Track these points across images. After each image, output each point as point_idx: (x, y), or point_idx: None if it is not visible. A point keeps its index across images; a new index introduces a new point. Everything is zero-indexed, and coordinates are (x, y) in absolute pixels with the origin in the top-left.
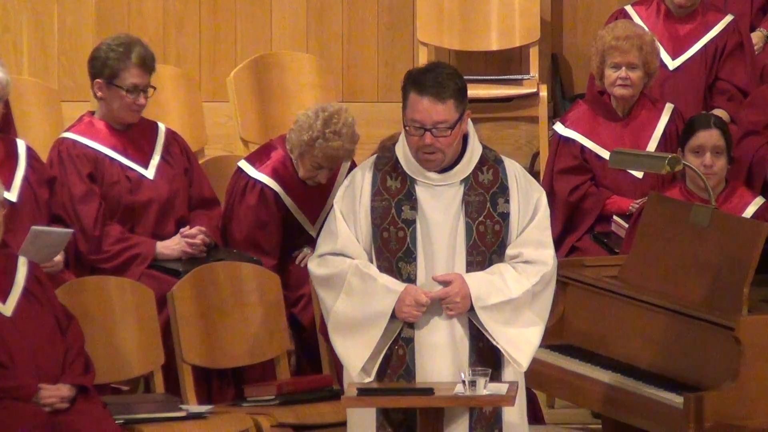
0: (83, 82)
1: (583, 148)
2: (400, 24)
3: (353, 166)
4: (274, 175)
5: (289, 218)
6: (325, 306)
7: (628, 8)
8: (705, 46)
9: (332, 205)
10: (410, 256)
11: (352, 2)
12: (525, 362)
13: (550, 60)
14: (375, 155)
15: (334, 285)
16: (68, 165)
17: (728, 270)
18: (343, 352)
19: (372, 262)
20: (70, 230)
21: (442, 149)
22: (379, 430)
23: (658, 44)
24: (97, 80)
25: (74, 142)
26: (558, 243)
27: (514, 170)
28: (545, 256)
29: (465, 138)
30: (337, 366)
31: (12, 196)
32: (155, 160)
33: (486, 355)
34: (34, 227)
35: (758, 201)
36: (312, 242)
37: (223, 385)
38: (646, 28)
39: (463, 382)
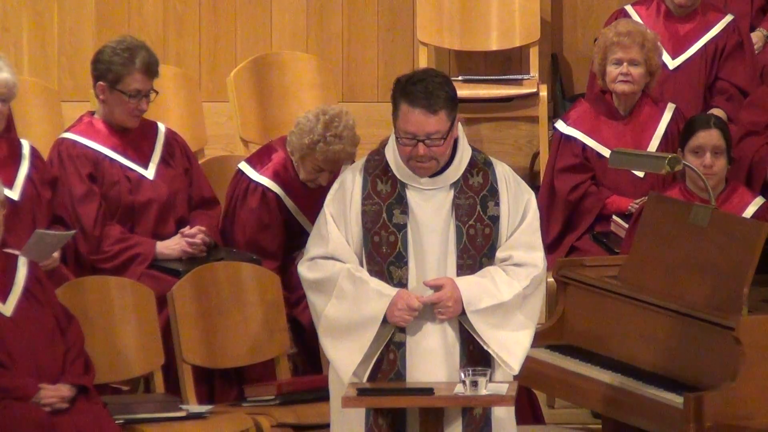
0: (83, 82)
1: (584, 146)
2: (400, 24)
3: None
4: (276, 177)
5: (290, 220)
6: (315, 310)
7: (628, 8)
8: (705, 45)
9: (323, 209)
10: (401, 260)
11: (352, 2)
12: (516, 365)
13: (550, 60)
14: (364, 158)
15: (325, 289)
16: (68, 165)
17: (728, 270)
18: (334, 356)
19: (362, 265)
20: (72, 231)
21: (436, 157)
22: None
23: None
24: (100, 83)
25: (74, 142)
26: (558, 242)
27: (504, 173)
28: (535, 258)
29: (454, 141)
30: None
31: (14, 194)
32: (155, 160)
33: (477, 359)
34: (38, 230)
35: (758, 201)
36: None
37: (223, 385)
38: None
39: (463, 382)
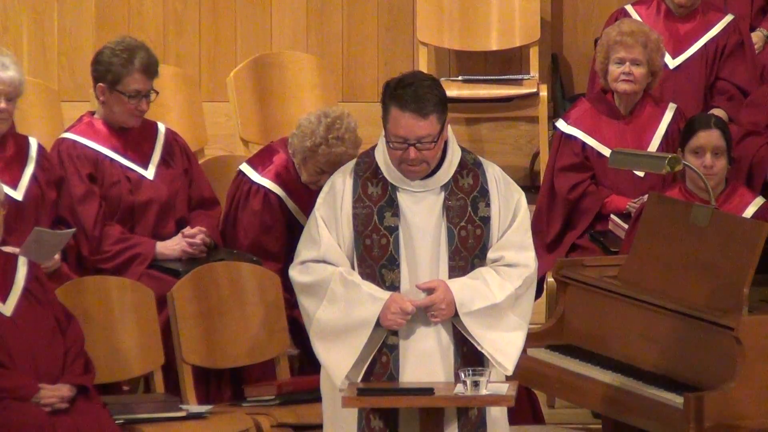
0: (83, 82)
1: (584, 145)
2: (400, 24)
3: None
4: (277, 179)
5: (292, 222)
6: (307, 313)
7: (629, 8)
8: (705, 45)
9: (314, 212)
10: (393, 263)
11: (352, 2)
12: (510, 366)
13: (550, 60)
14: (354, 160)
15: (317, 292)
16: (68, 165)
17: (728, 270)
18: (327, 359)
19: (354, 268)
20: (72, 230)
21: (427, 161)
22: None
23: None
24: (100, 84)
25: (74, 142)
26: (558, 241)
27: (494, 173)
28: (527, 258)
29: (444, 143)
30: None
31: (18, 195)
32: (155, 160)
33: (471, 360)
34: (36, 228)
35: (758, 201)
36: None
37: (222, 385)
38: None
39: (464, 382)
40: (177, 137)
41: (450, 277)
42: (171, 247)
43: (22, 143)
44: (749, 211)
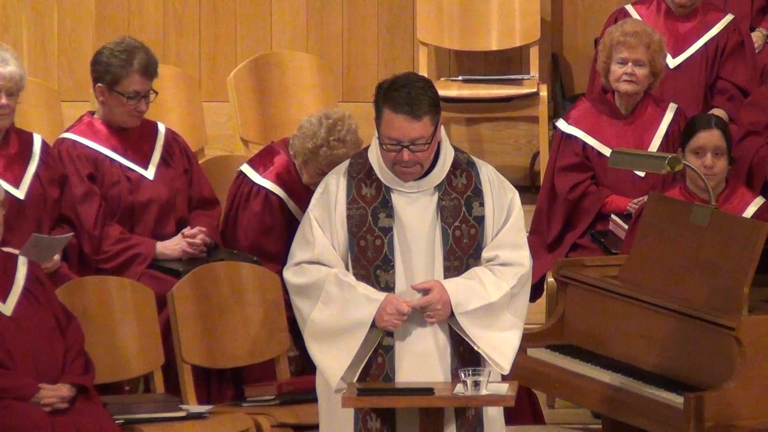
0: (83, 82)
1: (585, 145)
2: (400, 24)
3: None
4: (278, 180)
5: (293, 223)
6: (301, 315)
7: (629, 7)
8: (705, 44)
9: (308, 209)
10: (388, 264)
11: (352, 2)
12: (507, 365)
13: (550, 60)
14: (347, 161)
15: (312, 294)
16: (68, 165)
17: (728, 270)
18: (322, 361)
19: (348, 270)
20: (70, 234)
21: (420, 162)
22: None
23: None
24: (99, 84)
25: (74, 142)
26: (558, 241)
27: (487, 172)
28: (521, 257)
29: (437, 143)
30: None
31: (20, 194)
32: (155, 160)
33: (467, 360)
34: (34, 234)
35: (758, 201)
36: None
37: (222, 385)
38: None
39: (464, 382)
40: (177, 137)
41: (445, 277)
42: (171, 247)
43: (26, 140)
44: (749, 211)
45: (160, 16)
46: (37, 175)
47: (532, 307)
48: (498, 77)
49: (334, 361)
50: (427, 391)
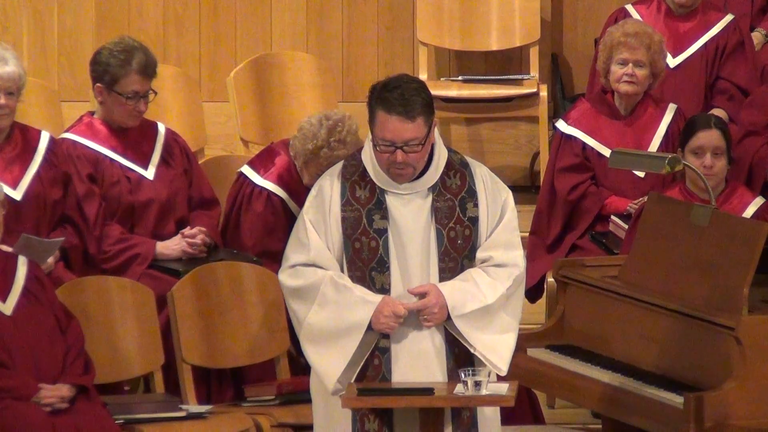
0: (83, 82)
1: (584, 146)
2: (400, 24)
3: None
4: (280, 182)
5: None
6: (297, 317)
7: (629, 7)
8: (705, 44)
9: (302, 211)
10: (383, 265)
11: (352, 2)
12: (504, 366)
13: (550, 60)
14: (341, 163)
15: (307, 296)
16: (68, 165)
17: (728, 270)
18: (318, 363)
19: (343, 272)
20: (61, 239)
21: (414, 164)
22: None
23: None
24: (98, 85)
25: (74, 142)
26: (558, 242)
27: (481, 173)
28: (515, 257)
29: (431, 144)
30: None
31: (17, 194)
32: (155, 160)
33: (463, 361)
34: (24, 234)
35: (758, 201)
36: None
37: (219, 385)
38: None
39: (464, 382)
40: (177, 137)
41: (440, 278)
42: (171, 247)
43: (31, 138)
44: (749, 211)
45: (160, 16)
46: (38, 175)
47: (532, 307)
48: (498, 77)
49: (330, 364)
50: (427, 391)
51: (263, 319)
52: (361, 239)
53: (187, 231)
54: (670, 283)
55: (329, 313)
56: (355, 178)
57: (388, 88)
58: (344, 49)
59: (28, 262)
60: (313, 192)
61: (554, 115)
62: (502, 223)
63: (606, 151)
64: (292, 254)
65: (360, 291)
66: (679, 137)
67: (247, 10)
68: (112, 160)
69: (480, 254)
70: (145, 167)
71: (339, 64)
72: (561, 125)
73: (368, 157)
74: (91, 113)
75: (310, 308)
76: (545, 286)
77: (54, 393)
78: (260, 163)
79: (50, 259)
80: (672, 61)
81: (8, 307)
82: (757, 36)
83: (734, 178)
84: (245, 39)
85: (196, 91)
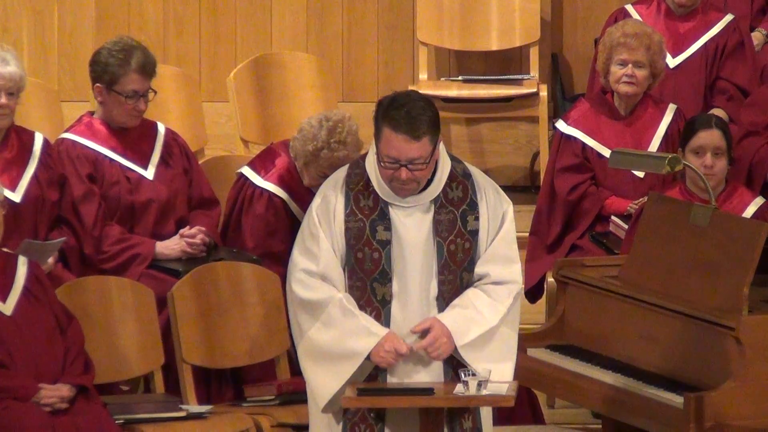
0: (83, 82)
1: (584, 146)
2: (400, 24)
3: None
4: (281, 183)
5: (296, 225)
6: (299, 328)
7: (629, 7)
8: (705, 44)
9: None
10: (385, 276)
11: (352, 2)
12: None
13: (550, 60)
14: (344, 172)
15: (314, 311)
16: (68, 166)
17: (728, 270)
18: (313, 380)
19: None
20: (62, 239)
21: (418, 180)
22: None
23: None
24: (97, 85)
25: (74, 142)
26: (558, 242)
27: (483, 184)
28: (513, 273)
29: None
30: None
31: (16, 196)
32: (155, 160)
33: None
34: (26, 240)
35: (758, 201)
36: None
37: (222, 385)
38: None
39: (465, 382)
40: (177, 137)
41: (439, 290)
42: (171, 247)
43: (27, 140)
44: (749, 211)
45: (160, 16)
46: (35, 177)
47: (532, 307)
48: (498, 77)
49: (324, 384)
50: (427, 391)
51: (263, 319)
52: (364, 250)
53: (186, 231)
54: (670, 283)
55: (332, 334)
56: (359, 187)
57: (394, 105)
58: (344, 49)
59: (28, 262)
60: (317, 200)
61: (554, 115)
62: (500, 236)
63: (606, 152)
64: (301, 259)
65: (365, 320)
66: (679, 137)
67: (247, 10)
68: (111, 160)
69: (478, 269)
70: (145, 167)
71: (339, 64)
72: (561, 125)
73: (372, 168)
74: (91, 113)
75: (314, 324)
76: (545, 286)
77: (54, 393)
78: (260, 164)
79: (50, 260)
80: (672, 62)
81: (8, 307)
82: (757, 36)
83: (734, 178)
84: (245, 39)
85: (196, 91)
